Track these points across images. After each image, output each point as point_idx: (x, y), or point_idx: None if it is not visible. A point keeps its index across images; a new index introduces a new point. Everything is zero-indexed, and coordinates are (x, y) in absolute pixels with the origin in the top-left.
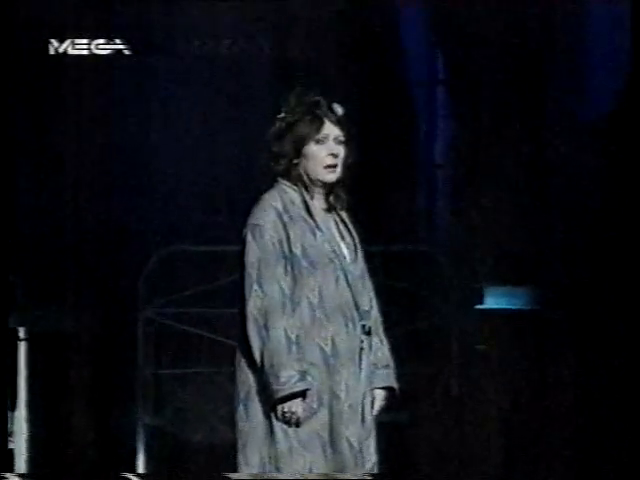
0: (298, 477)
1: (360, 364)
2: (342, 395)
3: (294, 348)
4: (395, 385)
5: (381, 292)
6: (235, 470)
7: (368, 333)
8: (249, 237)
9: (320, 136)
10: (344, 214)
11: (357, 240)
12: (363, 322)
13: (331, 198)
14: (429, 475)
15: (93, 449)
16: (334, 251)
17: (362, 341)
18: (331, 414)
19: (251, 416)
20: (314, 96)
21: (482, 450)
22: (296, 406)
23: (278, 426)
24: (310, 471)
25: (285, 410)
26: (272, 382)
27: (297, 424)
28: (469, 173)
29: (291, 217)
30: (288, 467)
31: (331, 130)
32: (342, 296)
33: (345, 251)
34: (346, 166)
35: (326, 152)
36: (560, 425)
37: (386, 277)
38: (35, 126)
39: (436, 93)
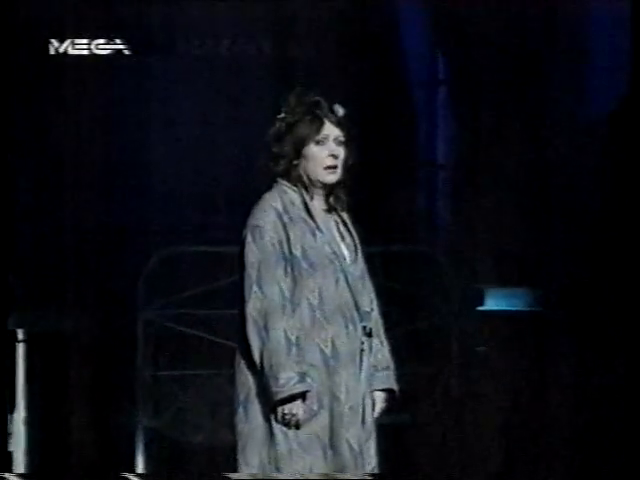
0: (298, 477)
1: (360, 366)
2: (342, 397)
3: (294, 349)
4: (395, 387)
5: (381, 293)
6: (235, 472)
7: (369, 335)
8: (249, 238)
9: (320, 137)
10: (344, 215)
11: (357, 241)
12: (364, 323)
13: (331, 199)
14: (430, 476)
15: (92, 451)
16: (334, 252)
17: (362, 342)
18: (331, 416)
19: (251, 418)
20: (314, 96)
21: (483, 451)
22: (296, 408)
23: (278, 428)
24: (310, 472)
25: (285, 412)
26: (272, 384)
27: (297, 426)
28: (469, 174)
29: (291, 218)
30: (288, 469)
31: (331, 131)
32: (342, 297)
33: (345, 252)
34: (346, 167)
35: (326, 153)
36: (560, 426)
37: (386, 278)
38: (35, 126)
39: (436, 93)
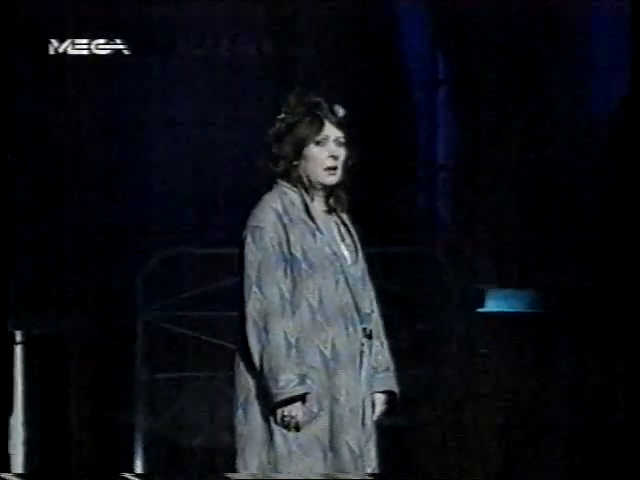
0: (298, 477)
1: (360, 367)
2: (342, 399)
3: (294, 351)
4: (396, 389)
5: (381, 294)
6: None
7: (369, 336)
8: (249, 239)
9: (320, 137)
10: (345, 216)
11: (358, 242)
12: (364, 325)
13: (331, 200)
14: (430, 478)
15: (91, 453)
16: (334, 253)
17: (363, 344)
18: (331, 418)
19: (250, 420)
20: (314, 97)
21: (483, 453)
22: (296, 410)
23: (277, 430)
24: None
25: (285, 414)
26: (271, 386)
27: (297, 428)
28: (470, 174)
29: (291, 219)
30: (287, 471)
31: (331, 131)
32: (342, 299)
33: (346, 253)
34: (346, 168)
35: (326, 154)
36: (561, 428)
37: (386, 279)
38: (35, 126)
39: (437, 93)
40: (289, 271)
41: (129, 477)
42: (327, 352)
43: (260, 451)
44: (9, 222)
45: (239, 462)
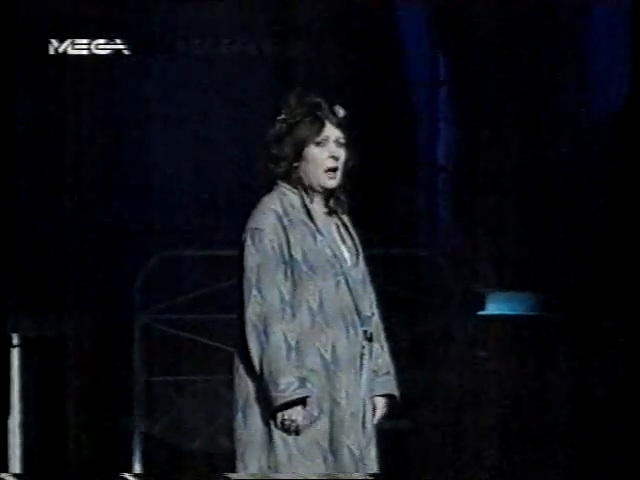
0: (298, 477)
1: (361, 370)
2: (343, 402)
3: (294, 354)
4: (396, 392)
5: (381, 297)
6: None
7: (370, 339)
8: (248, 241)
9: (320, 138)
10: (345, 218)
11: (358, 244)
12: (364, 328)
13: (332, 202)
14: None
15: (89, 457)
16: (335, 255)
17: (363, 347)
18: (332, 422)
19: (250, 424)
20: (314, 97)
21: (484, 457)
22: (296, 414)
23: (277, 434)
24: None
25: (285, 418)
26: (271, 389)
27: (297, 432)
28: (470, 176)
29: (291, 221)
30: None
31: (332, 132)
32: (343, 301)
33: (346, 255)
34: (347, 169)
35: (327, 154)
36: (562, 432)
37: (386, 282)
38: (35, 126)
39: (437, 94)
40: (289, 273)
41: (128, 477)
42: (327, 355)
43: (260, 455)
44: (8, 224)
45: (239, 466)
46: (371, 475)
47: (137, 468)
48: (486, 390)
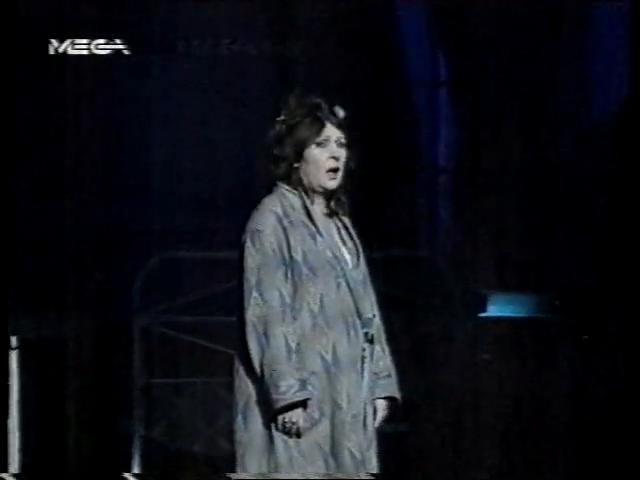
0: (299, 477)
1: (362, 373)
2: (344, 404)
3: (294, 356)
4: (397, 395)
5: (381, 298)
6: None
7: (371, 341)
8: (248, 243)
9: (321, 139)
10: (346, 219)
11: (359, 246)
12: (365, 330)
13: (332, 203)
14: None
15: (87, 460)
16: (335, 257)
17: (364, 349)
18: (333, 424)
19: (250, 426)
20: (314, 98)
21: (485, 460)
22: (297, 416)
23: (278, 436)
24: None
25: (285, 420)
26: (272, 391)
27: (298, 434)
28: (471, 177)
29: (291, 222)
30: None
31: (332, 132)
32: (344, 303)
33: (347, 257)
34: (347, 170)
35: (327, 155)
36: (564, 435)
37: (386, 283)
38: (34, 126)
39: (438, 95)
40: (289, 275)
41: (128, 477)
42: (328, 357)
43: (260, 458)
44: (8, 225)
45: (239, 469)
46: (371, 475)
47: (136, 470)
48: (487, 393)
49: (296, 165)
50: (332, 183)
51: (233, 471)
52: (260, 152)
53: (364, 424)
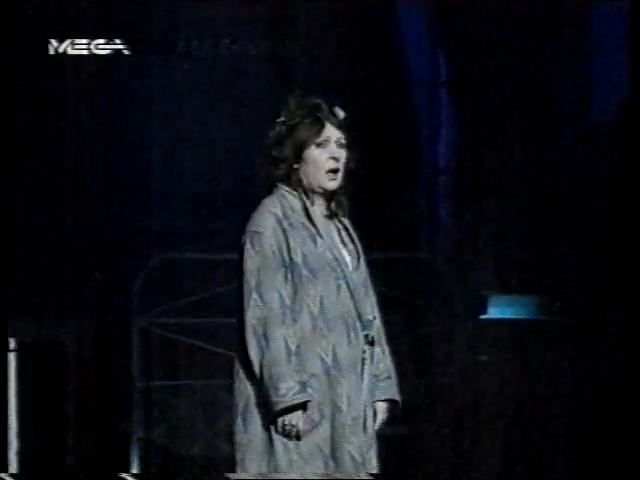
0: (298, 477)
1: (362, 375)
2: (344, 407)
3: (294, 358)
4: (398, 397)
5: (381, 300)
6: None
7: (371, 343)
8: (248, 244)
9: (321, 139)
10: (346, 221)
11: (359, 247)
12: (366, 332)
13: (332, 204)
14: None
15: (86, 463)
16: (336, 259)
17: (364, 351)
18: (333, 427)
19: (250, 429)
20: (314, 99)
21: (485, 463)
22: (296, 419)
23: (278, 439)
24: None
25: (285, 423)
26: (271, 394)
27: (297, 437)
28: (472, 178)
29: (291, 224)
30: None
31: (332, 133)
32: (344, 305)
33: (347, 258)
34: (348, 172)
35: (327, 156)
36: (565, 438)
37: (386, 285)
38: (34, 126)
39: (438, 95)
40: (289, 277)
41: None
42: (328, 359)
43: (260, 460)
44: (6, 227)
45: (239, 471)
46: (371, 475)
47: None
48: (488, 395)
49: (296, 166)
50: (332, 184)
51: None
52: (260, 153)
53: (364, 427)
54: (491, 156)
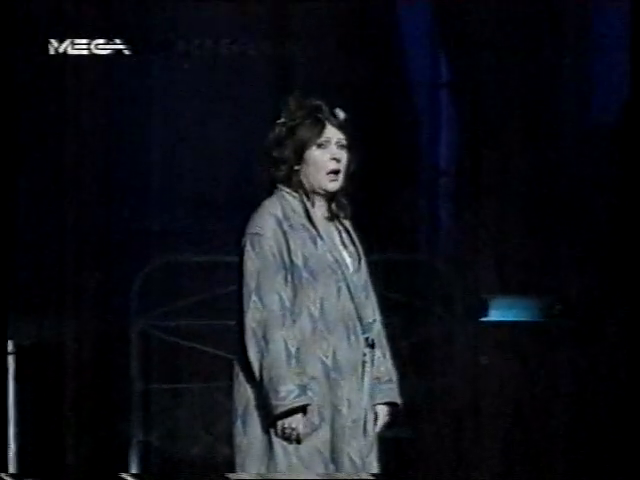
0: (298, 477)
1: (362, 378)
2: (344, 410)
3: (294, 361)
4: (399, 400)
5: (381, 302)
6: None
7: (372, 346)
8: (248, 246)
9: (322, 140)
10: (347, 222)
11: (360, 249)
12: (366, 334)
13: (333, 206)
14: None
15: (85, 466)
16: (336, 261)
17: (365, 354)
18: (333, 430)
19: (249, 432)
20: (314, 100)
21: (486, 465)
22: (296, 422)
23: (277, 442)
24: None
25: (285, 426)
26: (271, 397)
27: (297, 440)
28: (472, 179)
29: (291, 225)
30: None
31: (333, 133)
32: (344, 307)
33: (348, 260)
34: (348, 173)
35: (328, 156)
36: (566, 439)
37: (386, 287)
38: (34, 127)
39: (439, 96)
40: (289, 279)
41: (126, 477)
42: (328, 362)
43: (260, 463)
44: (6, 228)
45: None
46: (371, 475)
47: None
48: (488, 397)
49: (296, 167)
50: (333, 185)
51: None
52: (260, 154)
53: (364, 429)
54: (491, 156)
